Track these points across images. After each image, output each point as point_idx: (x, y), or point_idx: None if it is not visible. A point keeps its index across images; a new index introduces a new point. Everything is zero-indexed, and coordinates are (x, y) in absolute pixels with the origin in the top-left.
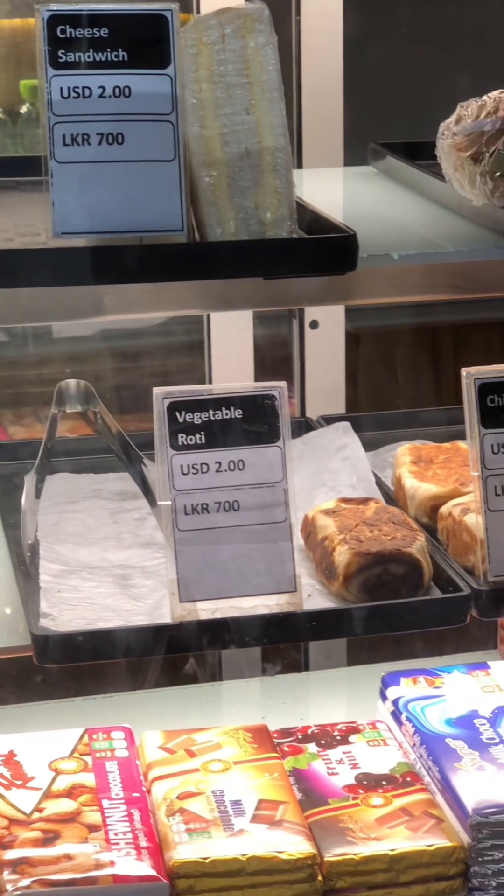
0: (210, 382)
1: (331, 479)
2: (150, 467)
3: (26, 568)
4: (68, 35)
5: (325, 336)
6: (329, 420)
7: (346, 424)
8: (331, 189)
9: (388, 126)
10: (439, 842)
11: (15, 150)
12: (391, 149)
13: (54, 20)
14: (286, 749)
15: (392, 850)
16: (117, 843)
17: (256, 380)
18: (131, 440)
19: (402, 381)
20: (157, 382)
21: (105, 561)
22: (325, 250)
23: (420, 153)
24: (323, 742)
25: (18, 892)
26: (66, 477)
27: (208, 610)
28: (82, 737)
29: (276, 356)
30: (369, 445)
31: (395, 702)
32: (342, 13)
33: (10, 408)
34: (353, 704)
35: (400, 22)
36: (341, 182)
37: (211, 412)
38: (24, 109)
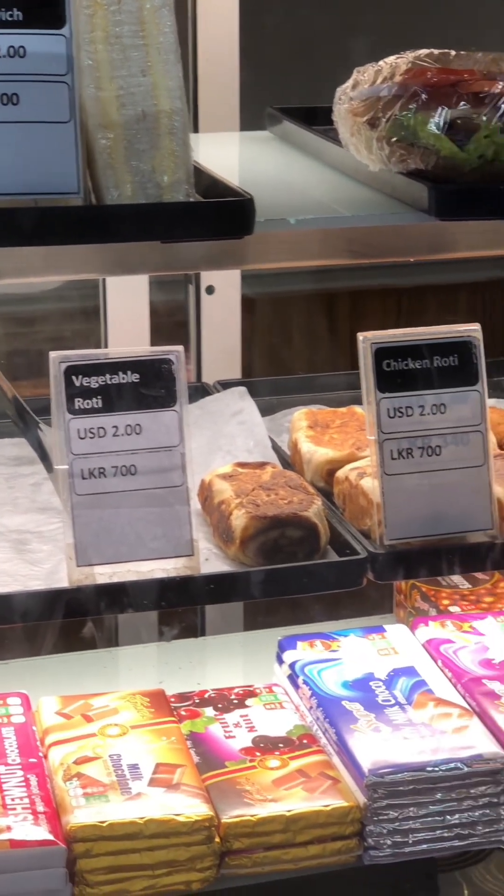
0: (106, 348)
1: (227, 443)
2: (47, 432)
3: None
4: None
5: (221, 301)
6: (225, 385)
7: (243, 389)
8: (227, 153)
9: (286, 91)
10: (335, 802)
11: None
12: (288, 113)
13: None
14: (183, 713)
15: (289, 811)
16: (14, 809)
17: (153, 345)
18: (27, 405)
19: (299, 346)
20: (53, 348)
21: (1, 526)
22: (222, 214)
23: (317, 118)
24: (220, 706)
25: None
26: None
27: (105, 574)
28: None
29: (173, 321)
30: (266, 410)
31: (291, 665)
32: None
33: None
34: (251, 668)
35: None
36: (238, 146)
37: (107, 376)
38: None
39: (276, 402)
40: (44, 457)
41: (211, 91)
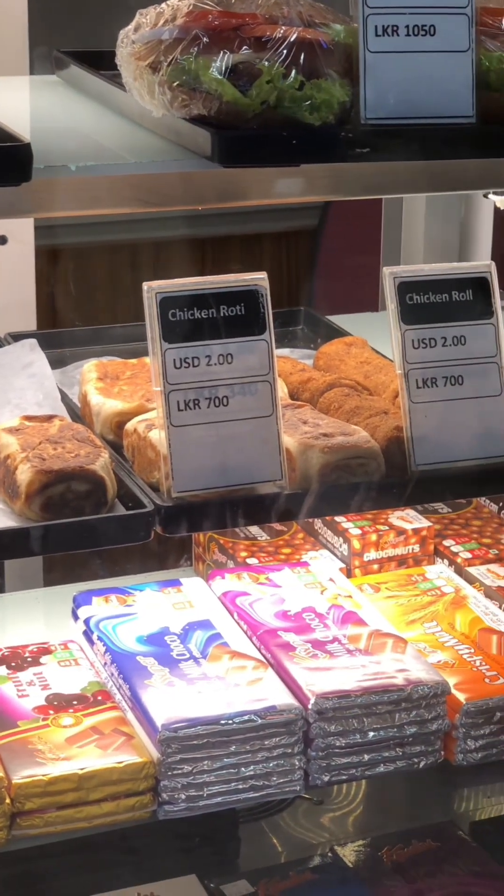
0: None
1: (16, 397)
2: None
3: None
4: None
5: (14, 252)
6: (17, 337)
7: (33, 341)
8: (11, 97)
9: (76, 34)
10: (129, 758)
11: None
12: (75, 57)
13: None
14: None
15: (82, 770)
16: None
17: None
18: None
19: (99, 298)
20: None
21: None
22: None
23: (105, 61)
24: (13, 664)
25: None
26: None
27: None
28: None
29: None
30: (58, 363)
31: (86, 621)
32: None
33: None
34: (49, 625)
35: None
36: (24, 91)
37: None
38: None
39: (69, 354)
40: None
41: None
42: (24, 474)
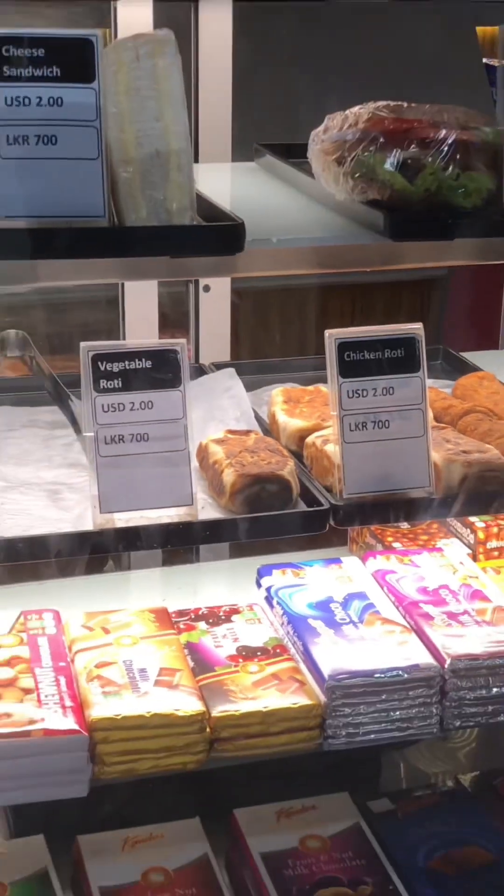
0: (123, 333)
1: (220, 414)
2: (76, 403)
3: None
4: (12, 53)
5: (215, 297)
6: (218, 366)
7: (231, 370)
8: (222, 181)
9: (268, 130)
10: (302, 700)
11: None
12: (270, 149)
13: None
14: (182, 626)
15: (265, 707)
16: (47, 704)
17: (160, 331)
18: (60, 380)
19: (276, 334)
20: (82, 332)
21: (39, 479)
22: (218, 236)
23: (293, 152)
24: (211, 621)
25: None
26: (7, 409)
27: (123, 519)
28: (19, 617)
29: (177, 312)
30: (249, 387)
31: (268, 589)
32: (231, 42)
33: None
34: (234, 590)
35: (280, 48)
36: (230, 175)
37: (126, 362)
38: None
39: (258, 379)
40: (73, 422)
41: (209, 130)
42: (228, 477)
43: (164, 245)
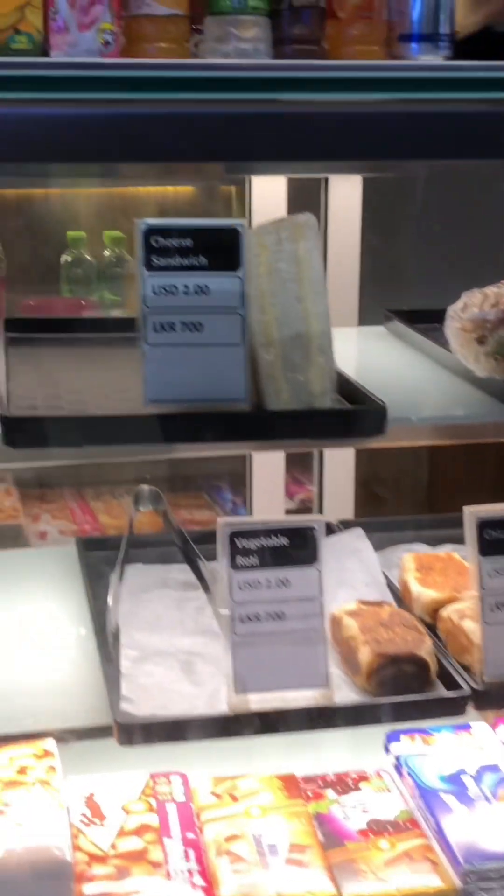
0: (249, 493)
1: (349, 577)
2: (205, 563)
3: (109, 652)
4: (160, 244)
5: (336, 455)
6: (346, 524)
7: (360, 531)
8: (352, 348)
9: (391, 297)
10: (436, 883)
11: (99, 288)
12: (399, 315)
13: (149, 232)
14: (309, 794)
15: (397, 889)
16: (176, 879)
17: (286, 483)
18: (189, 536)
19: (401, 491)
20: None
21: (172, 646)
22: (361, 419)
23: (419, 318)
24: (339, 789)
25: None
26: (141, 568)
27: (258, 700)
28: (148, 781)
29: (300, 467)
30: (375, 544)
31: (397, 756)
32: (360, 217)
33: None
34: (358, 750)
35: (405, 219)
36: (361, 341)
37: (263, 539)
38: (106, 253)
39: (385, 537)
40: (202, 582)
41: (337, 293)
42: (364, 656)
43: (307, 430)
